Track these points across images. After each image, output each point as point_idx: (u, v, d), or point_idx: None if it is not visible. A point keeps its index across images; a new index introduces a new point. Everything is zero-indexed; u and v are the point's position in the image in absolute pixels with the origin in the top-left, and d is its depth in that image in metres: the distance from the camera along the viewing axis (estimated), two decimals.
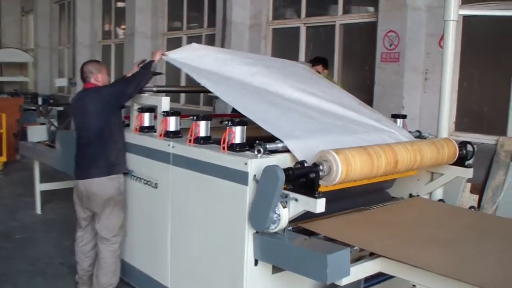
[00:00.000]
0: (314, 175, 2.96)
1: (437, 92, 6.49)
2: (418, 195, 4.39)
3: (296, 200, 3.00)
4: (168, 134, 3.87)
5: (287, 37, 8.83)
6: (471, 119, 6.48)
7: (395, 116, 4.71)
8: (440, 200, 4.40)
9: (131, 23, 11.47)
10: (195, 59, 4.30)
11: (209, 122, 3.65)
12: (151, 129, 4.19)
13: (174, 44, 11.17)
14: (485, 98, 6.38)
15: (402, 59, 6.54)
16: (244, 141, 3.38)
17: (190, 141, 3.61)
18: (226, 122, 3.35)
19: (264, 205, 2.94)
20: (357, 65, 7.82)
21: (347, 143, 3.54)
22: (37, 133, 7.23)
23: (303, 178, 2.99)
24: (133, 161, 4.13)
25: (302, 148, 3.34)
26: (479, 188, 5.94)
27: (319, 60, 6.20)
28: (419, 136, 4.52)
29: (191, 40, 10.75)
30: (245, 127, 3.39)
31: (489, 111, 6.38)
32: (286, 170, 2.92)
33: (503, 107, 6.14)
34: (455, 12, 4.31)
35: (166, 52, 4.30)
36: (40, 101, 10.83)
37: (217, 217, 3.33)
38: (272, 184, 2.90)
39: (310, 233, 3.24)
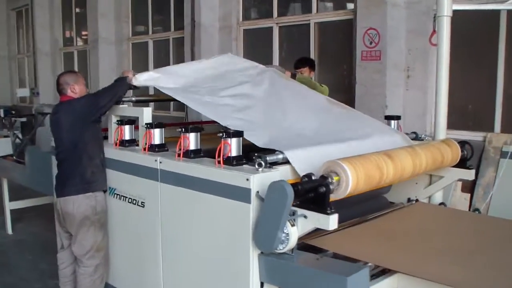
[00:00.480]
0: (324, 189, 2.70)
1: (420, 89, 6.43)
2: (417, 200, 4.18)
3: (305, 217, 2.73)
4: (153, 148, 3.55)
5: (259, 38, 8.57)
6: (457, 116, 6.31)
7: (388, 118, 4.49)
8: (441, 203, 4.21)
9: (93, 29, 11.02)
10: (164, 79, 3.99)
11: (199, 134, 3.35)
12: (132, 142, 3.86)
13: (140, 49, 10.80)
14: (470, 94, 6.24)
15: (384, 57, 6.35)
16: (241, 153, 3.09)
17: (179, 155, 3.30)
18: (221, 134, 3.05)
19: (272, 225, 2.67)
20: (335, 64, 7.61)
21: (345, 152, 3.30)
22: (1, 146, 6.78)
23: (311, 192, 2.73)
24: (114, 178, 3.79)
25: (302, 159, 3.08)
26: (469, 186, 5.80)
27: (305, 62, 5.73)
28: (416, 138, 4.33)
29: (157, 44, 10.42)
30: (241, 138, 3.10)
31: (475, 107, 6.26)
32: (294, 185, 2.65)
33: (489, 102, 6.03)
34: (448, 7, 4.12)
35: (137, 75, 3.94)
36: (1, 113, 10.27)
37: (216, 238, 3.03)
38: (280, 201, 2.62)
39: (316, 250, 2.99)
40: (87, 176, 3.70)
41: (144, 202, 3.52)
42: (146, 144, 3.57)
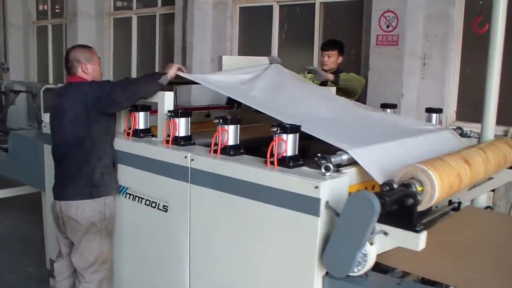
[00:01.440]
0: (412, 201, 2.20)
1: (437, 79, 5.98)
2: (460, 203, 3.73)
3: (386, 233, 2.23)
4: (178, 141, 2.97)
5: (257, 17, 7.97)
6: (474, 108, 5.91)
7: (429, 111, 4.01)
8: (488, 207, 3.79)
9: (72, 2, 10.19)
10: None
11: (238, 126, 2.79)
12: (147, 132, 3.27)
13: (123, 25, 10.06)
14: None
15: (402, 42, 5.86)
16: (297, 152, 2.55)
17: (215, 151, 2.74)
18: (275, 129, 2.50)
19: (350, 244, 2.16)
20: None
21: (407, 150, 2.85)
22: None
23: (394, 204, 2.22)
24: (126, 174, 3.20)
25: (371, 160, 2.58)
26: None
27: (335, 45, 4.93)
28: (461, 134, 3.87)
29: (142, 20, 9.71)
30: (298, 134, 2.56)
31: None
32: (380, 197, 2.13)
33: (510, 94, 5.63)
34: None
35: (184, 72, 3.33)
36: None
37: (268, 257, 2.49)
38: (363, 216, 2.11)
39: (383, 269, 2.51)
40: (95, 178, 3.10)
41: (167, 206, 2.94)
42: (170, 135, 2.99)
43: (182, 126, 2.99)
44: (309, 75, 4.83)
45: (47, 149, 3.87)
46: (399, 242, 2.24)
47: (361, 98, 5.29)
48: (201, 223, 2.78)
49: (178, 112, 2.97)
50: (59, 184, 3.18)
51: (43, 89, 10.27)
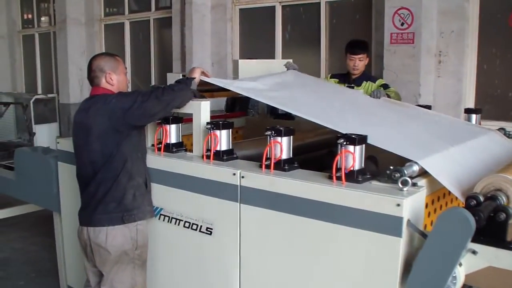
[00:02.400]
0: (504, 216, 1.97)
1: (453, 76, 5.78)
2: None
3: (474, 252, 1.99)
4: (220, 156, 2.70)
5: (258, 19, 7.69)
6: (493, 105, 5.74)
7: (468, 112, 3.80)
8: None
9: (61, 8, 9.79)
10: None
11: (291, 138, 2.53)
12: (179, 146, 3.00)
13: (115, 31, 9.73)
14: (508, 82, 5.65)
15: (418, 40, 5.65)
16: (363, 166, 2.30)
17: (267, 166, 2.48)
18: (341, 141, 2.24)
19: (440, 266, 1.93)
20: None
21: (473, 157, 2.63)
22: None
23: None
24: (160, 193, 2.91)
25: (443, 170, 2.34)
26: None
27: (364, 47, 4.58)
28: (505, 134, 3.66)
29: (135, 26, 9.38)
30: (364, 145, 2.31)
31: None
32: (474, 214, 1.90)
33: None
34: None
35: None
36: None
37: (338, 285, 2.23)
38: (457, 236, 1.89)
39: None
40: (126, 202, 2.79)
41: (211, 228, 2.66)
42: (211, 150, 2.72)
43: (224, 139, 2.72)
44: (333, 79, 4.58)
45: (62, 167, 3.59)
46: (490, 261, 2.01)
47: None
48: (254, 246, 2.51)
49: (219, 123, 2.70)
50: (86, 209, 2.86)
51: (33, 100, 9.93)
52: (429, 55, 5.76)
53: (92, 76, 2.88)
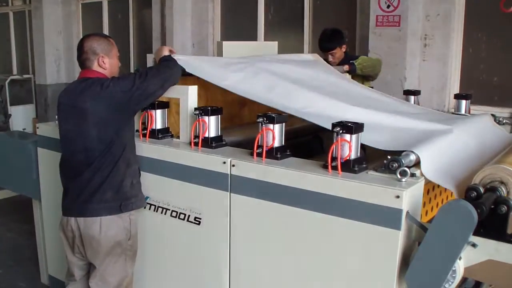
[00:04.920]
0: (505, 208, 1.92)
1: (439, 60, 5.74)
2: None
3: (474, 245, 1.94)
4: (209, 143, 2.60)
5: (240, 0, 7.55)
6: (478, 90, 5.71)
7: (458, 97, 3.76)
8: None
9: None
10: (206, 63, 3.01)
11: (283, 124, 2.44)
12: (165, 132, 2.89)
13: (92, 10, 9.47)
14: (494, 66, 5.63)
15: (404, 23, 5.58)
16: (359, 155, 2.23)
17: (258, 155, 2.39)
18: (338, 129, 2.16)
19: (440, 260, 1.87)
20: None
21: (467, 146, 2.58)
22: None
23: None
24: (147, 181, 2.80)
25: (436, 162, 2.28)
26: None
27: (334, 43, 4.44)
28: (495, 121, 3.61)
29: (113, 5, 9.13)
30: (360, 134, 2.23)
31: (500, 80, 5.64)
32: (476, 206, 1.84)
33: None
34: None
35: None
36: None
37: (332, 278, 2.16)
38: (459, 229, 1.83)
39: None
40: (125, 190, 2.65)
41: (199, 218, 2.57)
42: (199, 137, 2.61)
43: (212, 126, 2.62)
44: None
45: (42, 153, 3.45)
46: (490, 255, 1.96)
47: None
48: (245, 238, 2.43)
49: (208, 109, 2.59)
50: (78, 198, 2.68)
51: (8, 80, 9.68)
52: (415, 38, 5.69)
53: (83, 58, 2.70)
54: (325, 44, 4.49)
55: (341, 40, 4.55)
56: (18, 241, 4.87)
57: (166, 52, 2.88)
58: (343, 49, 4.55)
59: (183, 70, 2.78)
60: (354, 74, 4.12)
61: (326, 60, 4.41)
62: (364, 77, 4.29)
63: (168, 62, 2.76)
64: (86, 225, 2.64)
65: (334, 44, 4.46)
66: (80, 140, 2.63)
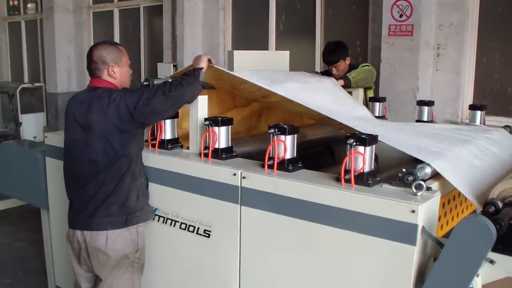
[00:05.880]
0: None
1: (452, 70, 5.67)
2: None
3: (492, 262, 1.88)
4: (219, 154, 2.56)
5: (252, 8, 7.52)
6: (493, 100, 5.63)
7: (473, 108, 3.69)
8: None
9: None
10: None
11: (295, 136, 2.39)
12: (175, 143, 2.85)
13: (103, 19, 9.50)
14: (508, 76, 5.55)
15: (417, 33, 5.52)
16: (373, 168, 2.17)
17: (269, 167, 2.34)
18: (351, 141, 2.10)
19: (457, 277, 1.81)
20: (346, 41, 6.68)
21: (474, 158, 2.51)
22: None
23: None
24: (155, 193, 2.76)
25: (457, 173, 2.22)
26: None
27: (337, 55, 4.46)
28: (510, 132, 3.55)
29: (124, 14, 9.16)
30: (374, 146, 2.18)
31: None
32: (495, 222, 1.78)
33: None
34: None
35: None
36: None
37: None
38: (477, 246, 1.77)
39: None
40: (130, 203, 2.61)
41: (209, 231, 2.52)
42: (209, 148, 2.57)
43: (223, 136, 2.57)
44: None
45: (50, 162, 3.42)
46: (509, 272, 1.91)
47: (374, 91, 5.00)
48: (255, 252, 2.37)
49: (218, 120, 2.55)
50: (82, 212, 2.64)
51: (19, 89, 9.70)
52: (428, 48, 5.63)
53: (93, 67, 2.65)
54: (329, 57, 4.55)
55: (345, 53, 4.58)
56: (28, 250, 4.85)
57: (203, 63, 2.70)
58: (348, 61, 4.58)
59: (204, 84, 2.68)
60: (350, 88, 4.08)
61: (330, 72, 4.41)
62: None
63: (187, 78, 2.61)
64: (92, 238, 2.60)
65: (337, 56, 4.48)
66: (84, 151, 2.59)
